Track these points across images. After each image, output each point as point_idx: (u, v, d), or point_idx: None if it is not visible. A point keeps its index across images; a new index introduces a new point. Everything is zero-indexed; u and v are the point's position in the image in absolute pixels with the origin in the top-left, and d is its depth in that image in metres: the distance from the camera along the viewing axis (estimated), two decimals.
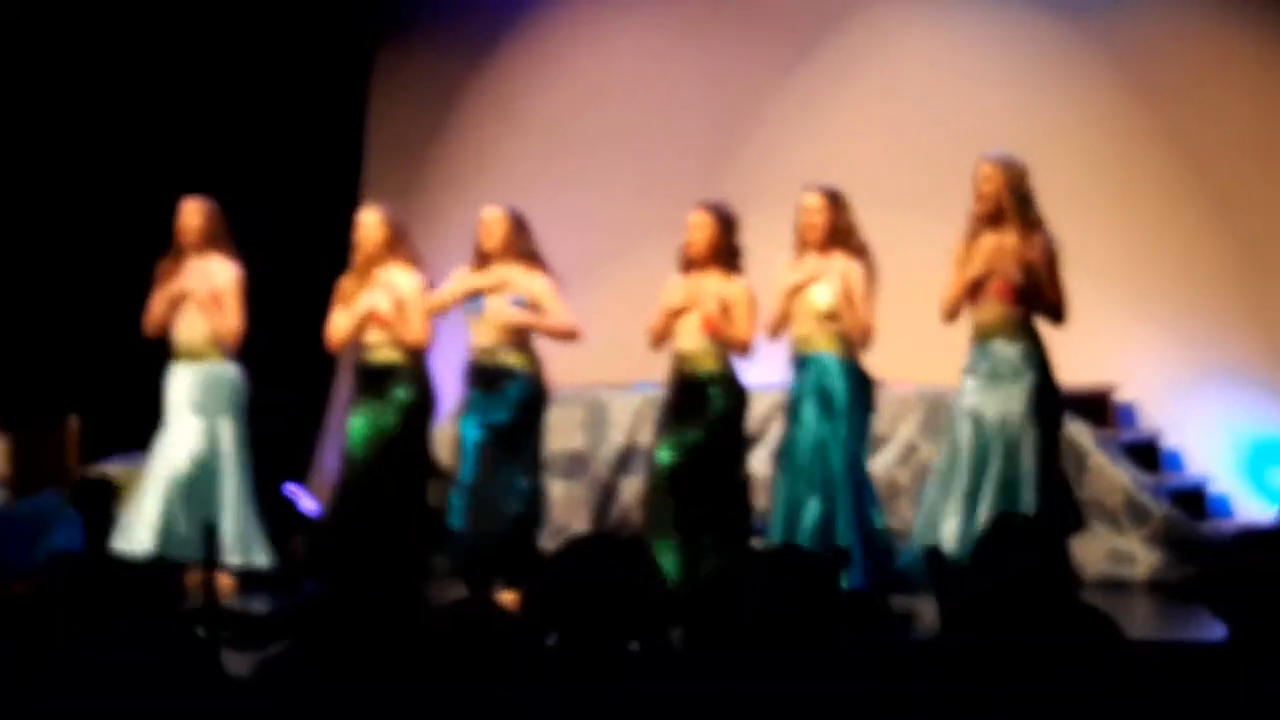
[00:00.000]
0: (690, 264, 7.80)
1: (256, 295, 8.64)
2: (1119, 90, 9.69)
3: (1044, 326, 7.52)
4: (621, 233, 10.12)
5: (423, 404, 8.25)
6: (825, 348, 7.61)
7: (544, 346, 8.14)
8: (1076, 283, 9.41)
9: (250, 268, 8.62)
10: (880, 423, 8.51)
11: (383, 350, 8.22)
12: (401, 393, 8.19)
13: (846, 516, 7.50)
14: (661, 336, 7.80)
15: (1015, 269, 7.38)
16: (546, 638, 3.96)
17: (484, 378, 8.01)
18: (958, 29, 9.94)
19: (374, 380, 8.22)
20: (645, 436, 9.48)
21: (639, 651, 4.04)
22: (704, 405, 7.70)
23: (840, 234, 7.63)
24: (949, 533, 7.37)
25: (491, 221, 8.07)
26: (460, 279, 8.11)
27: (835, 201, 7.65)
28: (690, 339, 7.75)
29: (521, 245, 8.06)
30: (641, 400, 9.53)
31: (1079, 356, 9.33)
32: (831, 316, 7.59)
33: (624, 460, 9.54)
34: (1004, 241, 7.42)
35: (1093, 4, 9.68)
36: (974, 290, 7.46)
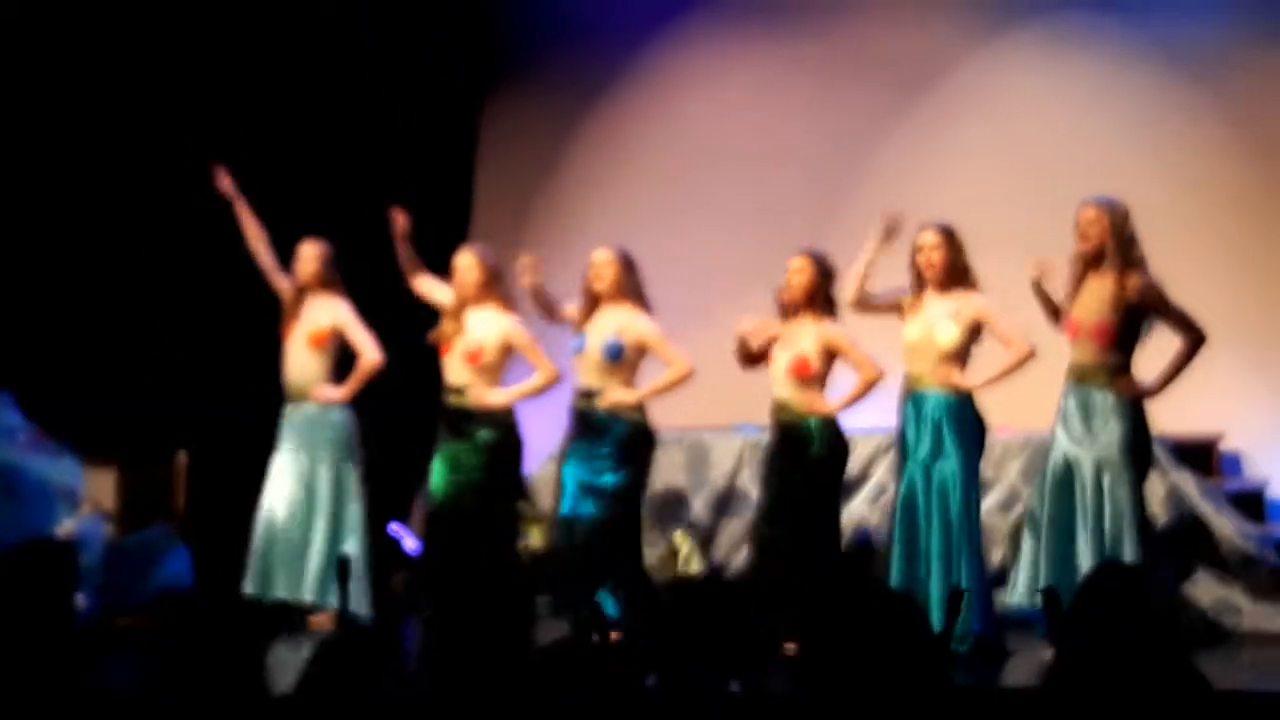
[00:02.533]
0: (787, 308, 7.81)
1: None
2: (1229, 139, 9.66)
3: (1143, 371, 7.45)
4: (731, 276, 10.14)
5: (508, 444, 8.26)
6: (941, 387, 7.60)
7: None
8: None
9: (362, 308, 8.69)
10: (985, 467, 8.51)
11: (464, 392, 8.26)
12: (484, 434, 8.21)
13: (967, 558, 7.47)
14: (749, 354, 7.82)
15: (1110, 311, 7.35)
16: (646, 678, 3.99)
17: (585, 422, 8.05)
18: (1066, 75, 9.94)
19: (457, 421, 8.25)
20: (745, 480, 9.51)
21: (739, 693, 4.06)
22: (803, 450, 7.70)
23: (958, 271, 7.63)
24: (1034, 580, 7.36)
25: (602, 264, 8.11)
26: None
27: (951, 239, 7.67)
28: (782, 386, 7.77)
29: (630, 287, 8.10)
30: (742, 443, 9.55)
31: (1184, 405, 9.27)
32: (951, 356, 7.59)
33: (723, 503, 9.55)
34: (1104, 284, 7.38)
35: (1204, 53, 9.64)
36: (1071, 331, 7.44)
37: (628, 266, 8.11)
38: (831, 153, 10.34)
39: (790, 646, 7.15)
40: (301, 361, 8.68)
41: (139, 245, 10.22)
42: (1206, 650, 8.08)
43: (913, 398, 7.66)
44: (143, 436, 9.87)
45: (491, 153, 11.09)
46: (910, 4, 10.28)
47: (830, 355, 7.79)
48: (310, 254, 8.74)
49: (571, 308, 8.17)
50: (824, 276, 7.80)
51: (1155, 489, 8.78)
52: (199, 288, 10.10)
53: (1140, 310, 7.41)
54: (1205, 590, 8.61)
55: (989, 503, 8.90)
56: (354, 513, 8.63)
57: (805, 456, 7.70)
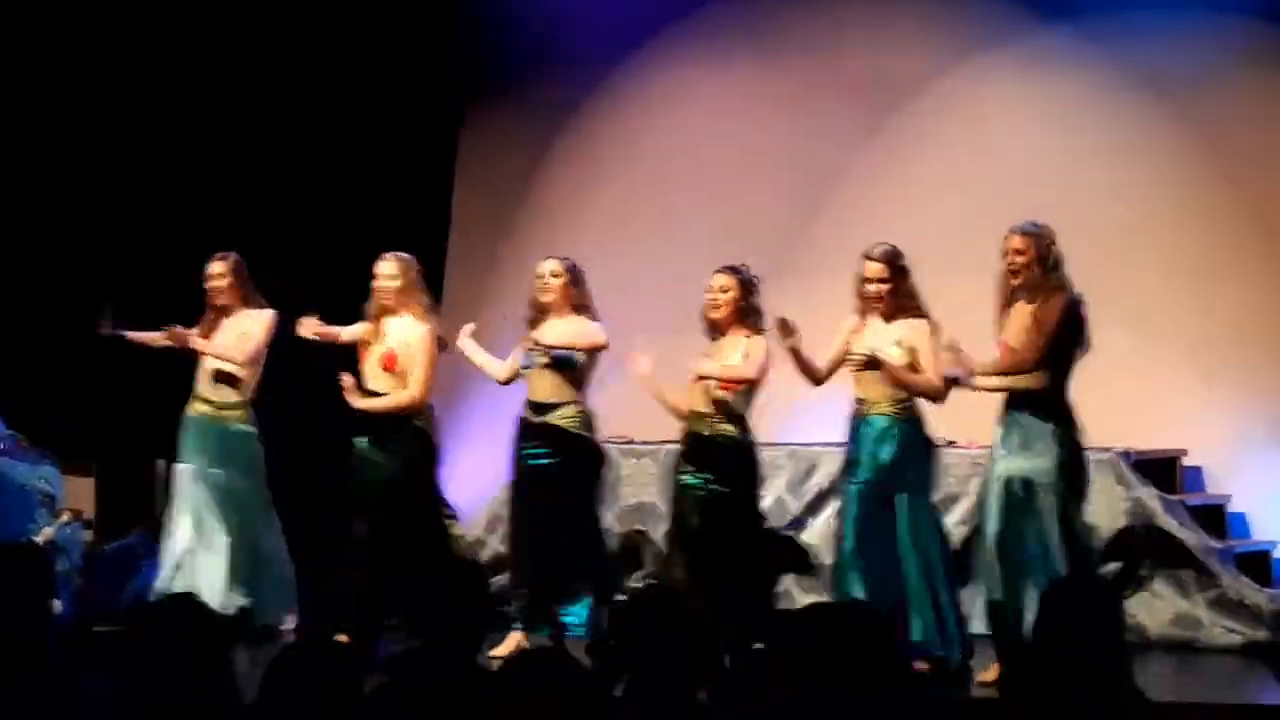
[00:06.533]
0: (715, 326, 7.80)
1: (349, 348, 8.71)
2: (1196, 160, 9.73)
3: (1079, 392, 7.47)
4: (698, 290, 10.22)
5: (426, 454, 8.20)
6: (887, 410, 7.64)
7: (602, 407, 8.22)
8: (1147, 348, 9.53)
9: (340, 321, 8.70)
10: (953, 483, 8.62)
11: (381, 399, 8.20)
12: (404, 443, 8.15)
13: (915, 572, 7.51)
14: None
15: (1037, 335, 7.30)
16: (614, 687, 4.07)
17: (538, 435, 8.04)
18: (1039, 98, 10.00)
19: (377, 428, 8.15)
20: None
21: (707, 702, 4.15)
22: (717, 462, 7.69)
23: (903, 298, 7.64)
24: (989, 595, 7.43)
25: (548, 274, 8.12)
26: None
27: (896, 267, 7.65)
28: (704, 399, 7.72)
29: (578, 298, 8.10)
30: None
31: (1148, 420, 9.41)
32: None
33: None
34: (1030, 309, 7.36)
35: (1173, 71, 9.74)
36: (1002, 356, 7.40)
37: (575, 277, 8.11)
38: (803, 173, 10.41)
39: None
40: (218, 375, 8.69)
41: (116, 252, 10.28)
42: (1167, 663, 8.22)
43: (860, 421, 7.66)
44: (121, 444, 9.94)
45: (469, 171, 11.17)
46: (883, 27, 10.36)
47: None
48: (221, 269, 8.70)
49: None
50: (748, 291, 7.79)
51: (1118, 504, 8.89)
52: (178, 295, 10.16)
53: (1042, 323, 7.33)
54: (1167, 604, 8.72)
55: (953, 517, 8.97)
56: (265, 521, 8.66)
57: (719, 468, 7.69)
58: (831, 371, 7.76)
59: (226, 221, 10.03)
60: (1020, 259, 7.40)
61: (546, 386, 8.05)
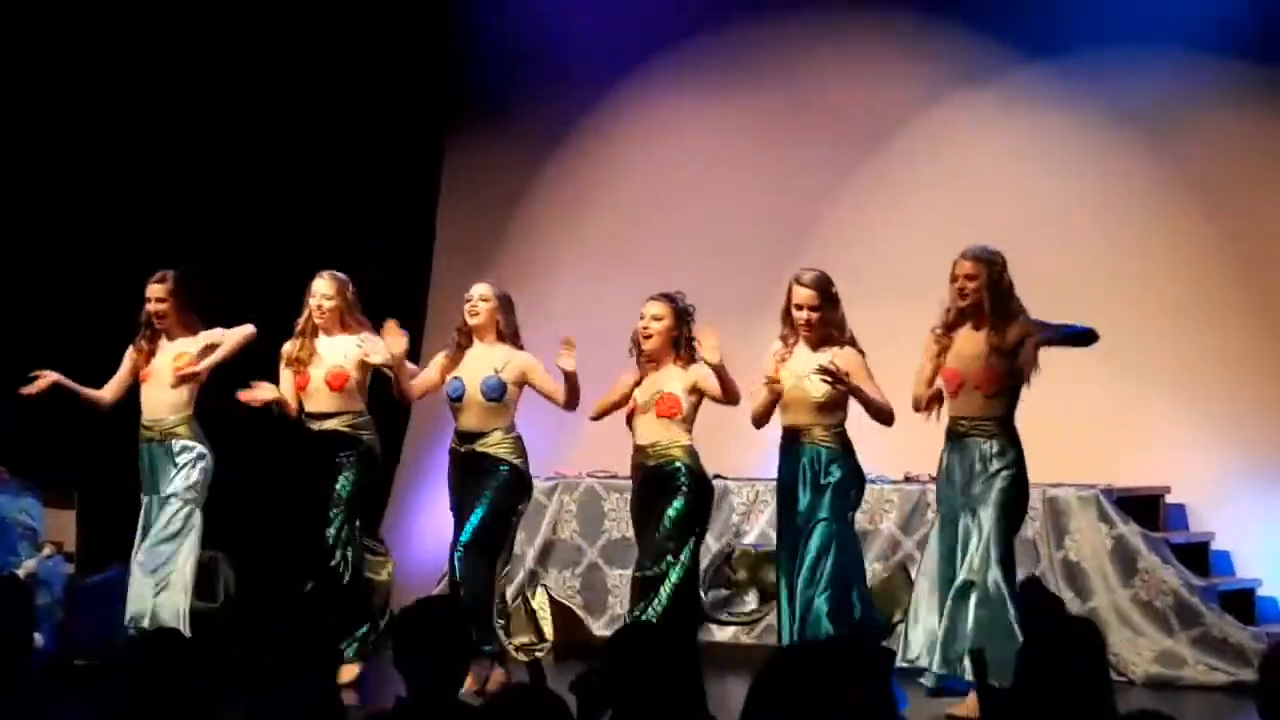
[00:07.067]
0: (648, 355, 7.71)
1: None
2: (1177, 192, 9.77)
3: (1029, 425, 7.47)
4: None
5: (369, 474, 8.37)
6: (818, 437, 7.57)
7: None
8: (1130, 385, 9.55)
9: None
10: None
11: (331, 419, 8.30)
12: (345, 462, 8.26)
13: (832, 603, 7.40)
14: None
15: (990, 361, 7.31)
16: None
17: (468, 465, 8.01)
18: (1018, 133, 10.05)
19: (320, 447, 8.27)
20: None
21: None
22: (672, 491, 7.61)
23: (832, 327, 7.56)
24: (930, 633, 7.40)
25: (478, 298, 8.06)
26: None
27: (828, 295, 7.57)
28: (649, 429, 7.67)
29: (506, 326, 8.03)
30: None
31: (1132, 458, 9.42)
32: (825, 407, 7.53)
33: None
34: (980, 337, 7.38)
35: (1152, 108, 9.78)
36: (951, 386, 7.40)
37: (505, 304, 8.06)
38: (785, 201, 10.44)
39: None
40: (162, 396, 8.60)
41: (102, 285, 10.27)
42: (1150, 702, 8.21)
43: (790, 449, 7.60)
44: (104, 477, 9.91)
45: (452, 194, 11.20)
46: (866, 60, 10.40)
47: (699, 395, 7.69)
48: (161, 291, 8.57)
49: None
50: (681, 320, 7.72)
51: (1101, 540, 8.90)
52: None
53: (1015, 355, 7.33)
54: (1150, 641, 8.73)
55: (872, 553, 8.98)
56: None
57: (674, 497, 7.61)
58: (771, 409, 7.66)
59: (206, 242, 10.05)
60: (971, 284, 7.40)
61: (475, 416, 7.98)
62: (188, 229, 10.24)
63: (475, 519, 7.89)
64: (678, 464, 7.65)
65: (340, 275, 8.38)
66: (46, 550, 9.43)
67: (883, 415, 7.51)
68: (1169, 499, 9.44)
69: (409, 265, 10.89)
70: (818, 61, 10.52)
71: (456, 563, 7.89)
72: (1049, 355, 7.42)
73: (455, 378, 8.02)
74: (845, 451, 7.57)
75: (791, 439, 7.60)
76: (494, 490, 7.92)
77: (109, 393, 8.69)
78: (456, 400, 8.01)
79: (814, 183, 10.44)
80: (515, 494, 8.02)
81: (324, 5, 10.84)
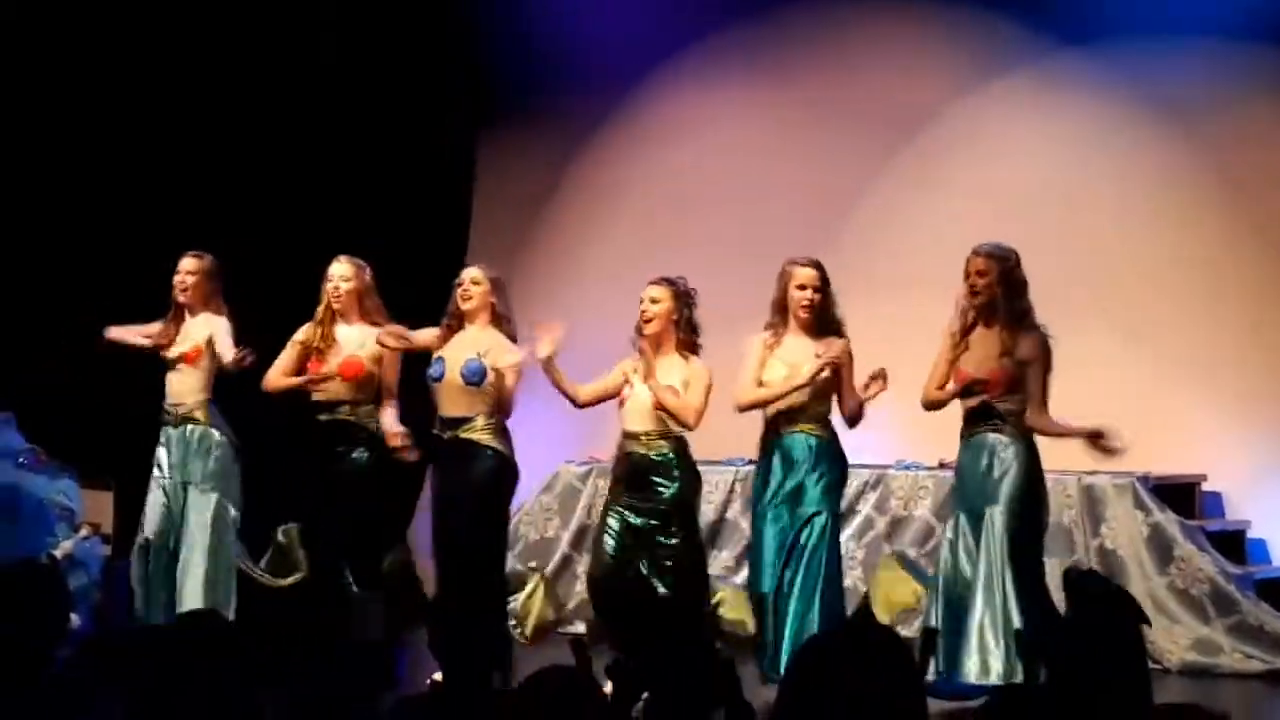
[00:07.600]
0: (650, 341, 7.55)
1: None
2: (1212, 184, 9.75)
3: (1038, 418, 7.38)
4: (716, 312, 10.22)
5: (379, 466, 8.11)
6: (806, 427, 7.52)
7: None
8: (1166, 373, 9.53)
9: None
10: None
11: (342, 408, 8.15)
12: (356, 453, 8.10)
13: (825, 598, 7.36)
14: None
15: (1002, 361, 7.27)
16: (633, 708, 4.08)
17: (453, 453, 7.79)
18: (1051, 121, 10.03)
19: (331, 437, 8.13)
20: (735, 511, 9.63)
21: None
22: (657, 485, 7.50)
23: (831, 315, 7.55)
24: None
25: (469, 281, 7.87)
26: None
27: (828, 282, 7.57)
28: (642, 419, 7.53)
29: (499, 310, 7.84)
30: (734, 475, 9.67)
31: (1167, 446, 9.40)
32: (819, 395, 7.47)
33: (714, 534, 9.62)
34: (994, 335, 7.34)
35: (1187, 100, 9.75)
36: (965, 385, 7.34)
37: (498, 288, 7.87)
38: (817, 195, 10.42)
39: None
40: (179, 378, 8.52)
41: (137, 267, 10.31)
42: (1186, 690, 8.20)
43: (776, 438, 7.55)
44: (140, 458, 9.95)
45: (487, 188, 11.23)
46: (898, 51, 10.38)
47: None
48: (194, 266, 8.49)
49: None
50: (683, 305, 7.60)
51: (1138, 528, 8.89)
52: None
53: (1026, 364, 7.29)
54: (1186, 629, 8.71)
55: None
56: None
57: (664, 486, 7.50)
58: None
59: (241, 239, 10.07)
60: (982, 280, 7.34)
61: (454, 400, 7.76)
62: (222, 226, 10.26)
63: (465, 521, 7.69)
64: (669, 453, 7.53)
65: (358, 259, 8.23)
66: (83, 531, 9.48)
67: (857, 419, 7.52)
68: (1205, 487, 9.43)
69: (444, 262, 10.89)
70: (847, 53, 10.51)
71: (456, 564, 7.67)
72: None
73: (438, 358, 7.78)
74: (834, 439, 7.54)
75: (786, 423, 7.52)
76: (481, 479, 7.68)
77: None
78: (436, 382, 7.76)
79: (846, 176, 10.42)
80: (502, 480, 7.77)
81: (360, 7, 10.86)
